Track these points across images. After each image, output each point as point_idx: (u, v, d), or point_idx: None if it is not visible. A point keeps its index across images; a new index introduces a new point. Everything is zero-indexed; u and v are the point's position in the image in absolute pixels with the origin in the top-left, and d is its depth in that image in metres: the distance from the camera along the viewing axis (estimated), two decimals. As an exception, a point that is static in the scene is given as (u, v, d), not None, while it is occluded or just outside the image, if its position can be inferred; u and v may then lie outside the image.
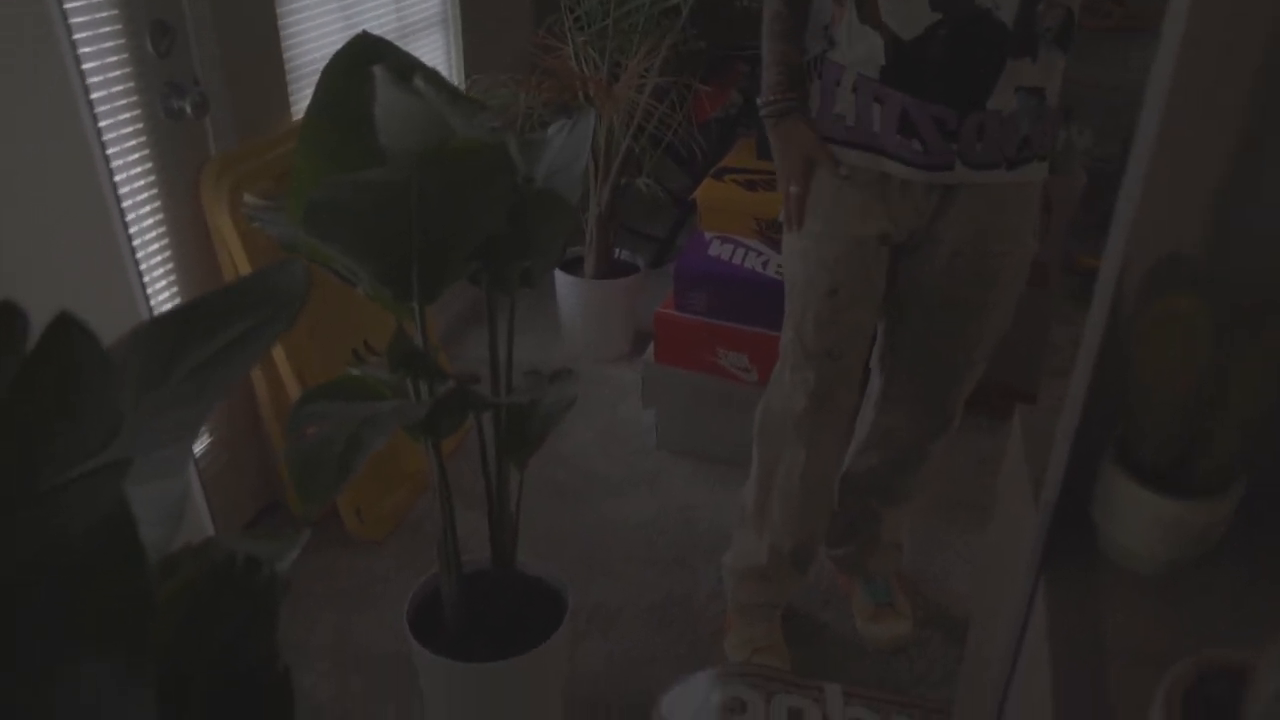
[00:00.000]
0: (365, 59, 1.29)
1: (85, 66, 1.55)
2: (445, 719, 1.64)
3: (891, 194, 1.49)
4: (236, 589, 0.78)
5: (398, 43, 1.35)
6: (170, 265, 1.87)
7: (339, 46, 1.29)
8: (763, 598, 1.86)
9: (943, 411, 1.70)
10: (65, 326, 0.62)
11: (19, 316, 0.60)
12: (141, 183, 1.78)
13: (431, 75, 1.29)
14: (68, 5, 1.49)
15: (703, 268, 2.30)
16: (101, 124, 1.61)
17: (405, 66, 1.31)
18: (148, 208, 1.80)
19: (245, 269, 1.91)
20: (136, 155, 1.76)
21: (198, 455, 1.98)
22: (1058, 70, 1.43)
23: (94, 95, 1.58)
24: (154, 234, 1.83)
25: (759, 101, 1.55)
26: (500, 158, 1.20)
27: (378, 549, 2.12)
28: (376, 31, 1.34)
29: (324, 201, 1.16)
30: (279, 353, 1.97)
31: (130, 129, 1.73)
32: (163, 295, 1.86)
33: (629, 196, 2.91)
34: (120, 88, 1.69)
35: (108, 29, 1.64)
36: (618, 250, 2.93)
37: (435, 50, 2.73)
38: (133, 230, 1.73)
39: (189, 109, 1.80)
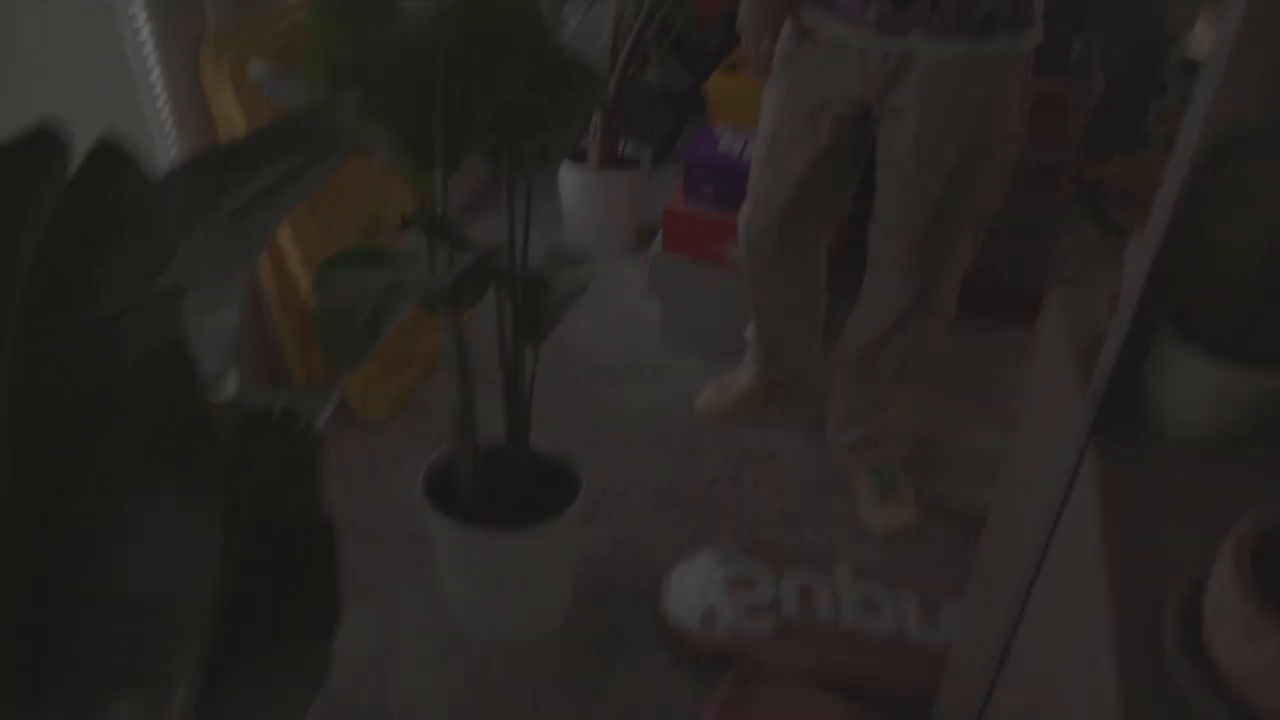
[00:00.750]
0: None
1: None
2: (461, 590, 1.65)
3: (847, 59, 1.57)
4: (274, 439, 0.77)
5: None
6: (171, 139, 1.82)
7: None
8: (751, 358, 2.17)
9: (924, 272, 1.72)
10: (108, 149, 0.59)
11: (58, 140, 0.57)
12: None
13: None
14: None
15: (713, 160, 2.26)
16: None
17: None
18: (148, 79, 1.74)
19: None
20: (134, 25, 1.69)
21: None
22: None
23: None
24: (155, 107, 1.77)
25: None
26: (528, 11, 1.15)
27: (386, 428, 2.12)
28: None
29: (347, 63, 1.11)
30: (284, 231, 1.93)
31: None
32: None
33: (632, 92, 2.84)
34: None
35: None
36: (622, 144, 2.86)
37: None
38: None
39: (188, -27, 1.73)
